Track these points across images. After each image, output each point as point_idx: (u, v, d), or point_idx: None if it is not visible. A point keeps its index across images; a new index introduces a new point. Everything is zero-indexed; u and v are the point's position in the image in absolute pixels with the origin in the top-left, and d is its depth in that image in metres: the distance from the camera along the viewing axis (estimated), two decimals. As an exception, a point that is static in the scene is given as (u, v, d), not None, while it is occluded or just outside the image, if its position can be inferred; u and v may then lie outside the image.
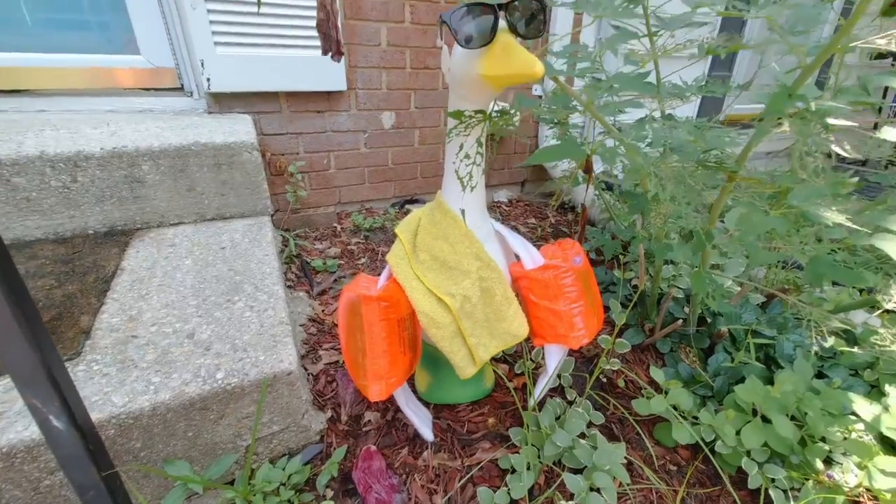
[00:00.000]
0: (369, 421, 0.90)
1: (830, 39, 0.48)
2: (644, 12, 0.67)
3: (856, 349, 0.86)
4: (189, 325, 0.84)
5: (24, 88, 1.26)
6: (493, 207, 1.96)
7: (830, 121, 0.44)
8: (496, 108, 0.63)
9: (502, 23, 0.49)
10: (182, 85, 1.40)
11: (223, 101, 1.40)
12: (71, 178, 1.05)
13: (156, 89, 1.38)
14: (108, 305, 0.87)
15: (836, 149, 0.42)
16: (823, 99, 0.50)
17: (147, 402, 0.68)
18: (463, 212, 0.64)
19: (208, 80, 1.31)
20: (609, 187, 1.41)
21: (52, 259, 1.01)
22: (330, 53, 0.48)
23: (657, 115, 0.93)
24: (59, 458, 0.49)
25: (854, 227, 0.48)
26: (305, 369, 0.99)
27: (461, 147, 0.61)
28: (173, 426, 0.71)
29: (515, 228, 1.76)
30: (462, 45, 0.50)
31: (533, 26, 0.50)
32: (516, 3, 0.48)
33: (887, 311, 0.81)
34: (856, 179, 0.49)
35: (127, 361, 0.75)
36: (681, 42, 0.82)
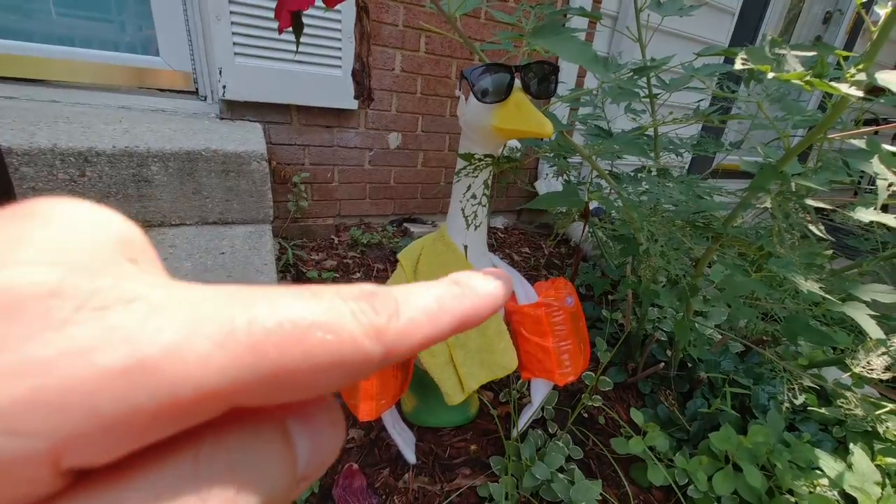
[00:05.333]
0: (353, 438, 0.91)
1: (814, 122, 0.53)
2: (647, 80, 0.73)
3: (825, 410, 0.90)
4: (184, 329, 0.85)
5: (39, 78, 1.28)
6: (489, 233, 1.99)
7: (808, 202, 0.48)
8: (505, 150, 0.67)
9: (517, 82, 0.53)
10: (197, 89, 1.43)
11: (236, 109, 1.43)
12: (79, 172, 1.06)
13: (171, 91, 1.41)
14: (104, 302, 0.88)
15: (812, 228, 0.46)
16: (805, 175, 0.55)
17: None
18: (465, 248, 0.68)
19: (224, 87, 1.34)
20: (604, 227, 1.46)
21: (50, 250, 1.02)
22: (361, 98, 0.52)
23: (652, 162, 0.98)
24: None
25: (826, 296, 0.52)
26: (293, 381, 1.00)
27: (469, 187, 0.65)
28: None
29: (510, 257, 1.80)
30: (478, 99, 0.54)
31: (544, 87, 0.54)
32: (531, 65, 0.53)
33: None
34: (830, 252, 0.54)
35: (120, 361, 0.75)
36: (680, 101, 0.88)
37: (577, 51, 0.42)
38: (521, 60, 0.58)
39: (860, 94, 0.36)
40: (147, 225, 1.17)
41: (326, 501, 0.79)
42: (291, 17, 0.44)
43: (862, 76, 0.39)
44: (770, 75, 0.37)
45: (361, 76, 0.50)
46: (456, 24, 0.58)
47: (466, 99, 0.61)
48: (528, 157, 0.84)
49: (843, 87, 0.36)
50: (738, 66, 0.39)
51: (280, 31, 0.46)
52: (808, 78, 0.37)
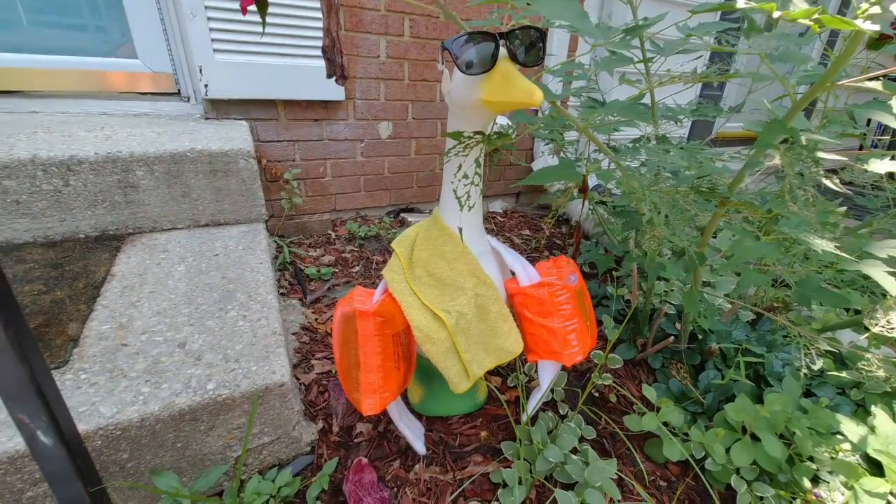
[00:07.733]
0: (361, 432, 0.89)
1: (819, 78, 0.49)
2: (640, 41, 0.69)
3: (844, 373, 0.87)
4: (181, 333, 0.83)
5: (17, 89, 1.25)
6: (488, 218, 1.97)
7: (821, 155, 0.45)
8: (495, 127, 0.64)
9: (503, 51, 0.50)
10: (179, 90, 1.39)
11: (220, 107, 1.39)
12: (63, 182, 1.04)
13: (152, 94, 1.37)
14: (97, 312, 0.86)
15: (827, 182, 0.43)
16: (812, 130, 0.52)
17: (136, 413, 0.67)
18: (460, 230, 0.65)
19: (206, 86, 1.31)
20: (603, 201, 1.43)
21: (40, 263, 1.00)
22: (334, 77, 0.49)
23: (651, 132, 0.94)
24: (45, 474, 0.48)
25: (842, 254, 0.49)
26: (297, 379, 0.98)
27: (459, 167, 0.62)
28: (162, 437, 0.70)
29: (510, 240, 1.78)
30: (462, 71, 0.50)
31: (532, 54, 0.50)
32: (516, 31, 0.49)
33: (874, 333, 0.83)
34: (844, 209, 0.51)
35: (116, 371, 0.74)
36: (675, 68, 0.84)
37: (562, 7, 0.38)
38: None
39: (876, 27, 0.33)
40: (138, 232, 1.15)
41: (337, 497, 0.78)
42: (254, -7, 0.41)
43: (876, 8, 0.35)
44: (776, 14, 0.34)
45: (332, 52, 0.46)
46: (434, -7, 0.54)
47: (451, 73, 0.58)
48: (520, 133, 0.81)
49: (858, 22, 0.33)
50: (740, 4, 0.35)
51: (243, 10, 0.43)
52: (816, 16, 0.33)
